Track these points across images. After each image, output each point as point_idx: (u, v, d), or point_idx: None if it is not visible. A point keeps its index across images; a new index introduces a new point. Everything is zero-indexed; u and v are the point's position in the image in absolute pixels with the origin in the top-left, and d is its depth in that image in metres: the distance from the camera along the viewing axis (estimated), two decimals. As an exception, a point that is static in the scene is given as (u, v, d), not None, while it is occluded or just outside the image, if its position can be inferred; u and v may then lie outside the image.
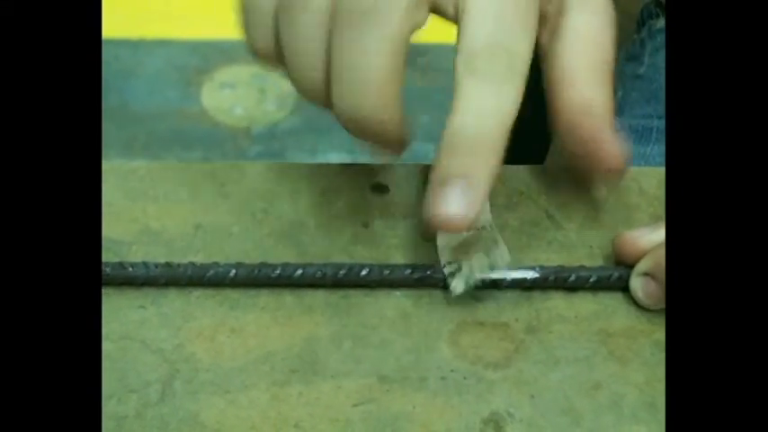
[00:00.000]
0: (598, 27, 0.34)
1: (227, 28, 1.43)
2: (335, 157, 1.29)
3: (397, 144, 0.32)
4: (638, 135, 0.55)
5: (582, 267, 0.35)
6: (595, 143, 0.33)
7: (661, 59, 0.57)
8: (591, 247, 0.36)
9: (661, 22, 0.58)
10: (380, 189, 0.37)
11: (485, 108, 0.31)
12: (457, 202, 0.31)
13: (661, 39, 0.58)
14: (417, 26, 0.32)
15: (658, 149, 0.53)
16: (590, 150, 0.33)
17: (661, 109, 0.55)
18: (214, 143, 1.28)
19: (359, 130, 0.32)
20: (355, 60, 0.31)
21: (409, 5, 0.32)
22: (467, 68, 0.32)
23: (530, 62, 0.32)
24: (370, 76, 0.31)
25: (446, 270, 0.33)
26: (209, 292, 0.34)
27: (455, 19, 0.32)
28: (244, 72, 1.37)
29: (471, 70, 0.31)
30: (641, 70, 0.58)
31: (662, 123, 0.55)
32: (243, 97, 1.35)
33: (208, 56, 1.39)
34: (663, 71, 0.57)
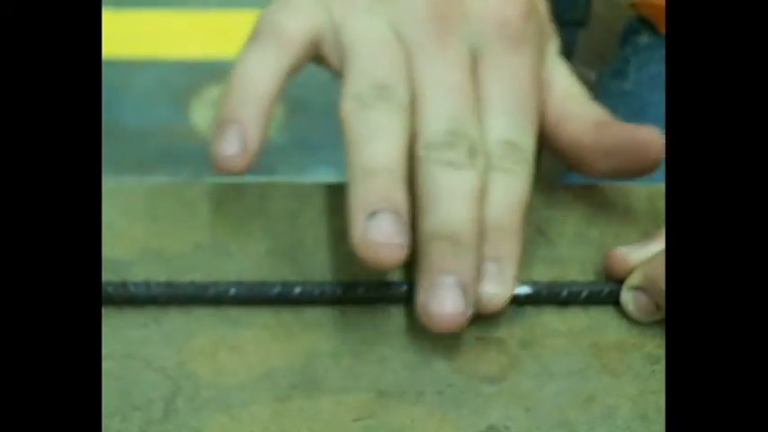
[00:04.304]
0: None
1: (215, 47, 1.44)
2: (324, 174, 1.30)
3: None
4: None
5: (574, 283, 0.35)
6: (632, 143, 0.35)
7: (646, 75, 0.58)
8: (582, 262, 0.37)
9: (644, 38, 0.60)
10: (376, 207, 0.37)
11: (506, 194, 0.34)
12: (495, 283, 0.33)
13: (645, 54, 0.59)
14: None
15: None
16: (632, 150, 0.35)
17: (647, 123, 0.56)
18: (203, 160, 1.28)
19: None
20: None
21: None
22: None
23: (535, 153, 0.35)
24: None
25: None
26: (210, 310, 0.34)
27: None
28: (232, 90, 1.37)
29: (489, 166, 0.34)
30: (626, 86, 0.59)
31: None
32: (231, 115, 1.35)
33: (197, 74, 1.40)
34: (647, 86, 0.58)
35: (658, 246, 0.35)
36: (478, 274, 0.32)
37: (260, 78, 0.34)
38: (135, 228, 0.37)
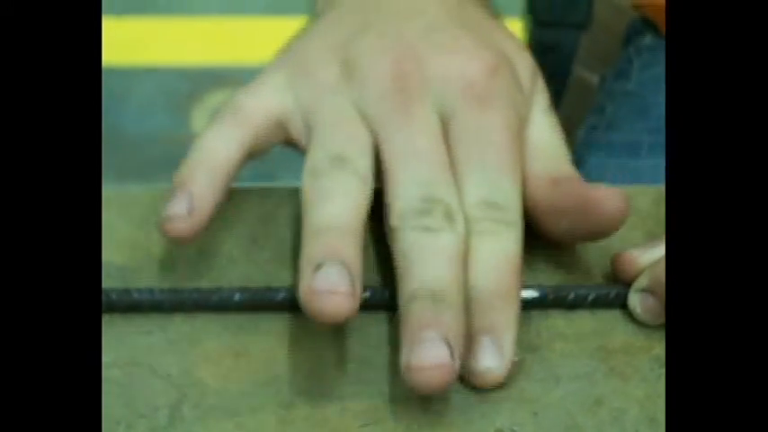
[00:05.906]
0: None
1: (216, 54, 1.44)
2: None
3: None
4: (629, 150, 0.56)
5: (580, 286, 0.35)
6: (584, 200, 0.34)
7: (649, 75, 0.58)
8: (589, 265, 0.36)
9: (648, 39, 0.59)
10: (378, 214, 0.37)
11: (491, 258, 0.32)
12: (491, 357, 0.32)
13: (648, 55, 0.59)
14: None
15: (650, 163, 0.54)
16: (583, 208, 0.34)
17: (650, 124, 0.56)
18: (205, 167, 1.29)
19: None
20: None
21: None
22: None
23: (521, 208, 0.34)
24: None
25: None
26: (215, 316, 0.34)
27: None
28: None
29: (470, 231, 0.33)
30: (630, 87, 0.59)
31: (652, 138, 0.56)
32: (232, 121, 1.36)
33: (197, 81, 1.40)
34: (651, 87, 0.58)
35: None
36: (466, 336, 0.31)
37: (214, 151, 0.35)
38: (139, 235, 0.37)
